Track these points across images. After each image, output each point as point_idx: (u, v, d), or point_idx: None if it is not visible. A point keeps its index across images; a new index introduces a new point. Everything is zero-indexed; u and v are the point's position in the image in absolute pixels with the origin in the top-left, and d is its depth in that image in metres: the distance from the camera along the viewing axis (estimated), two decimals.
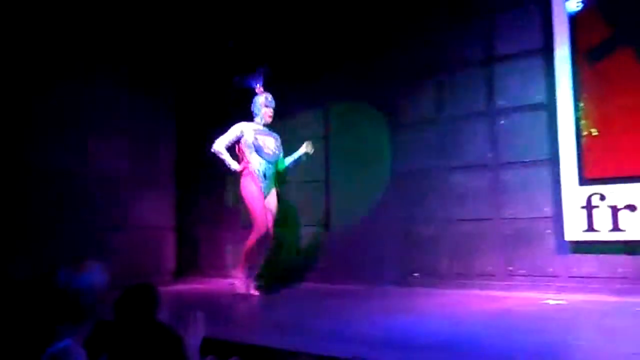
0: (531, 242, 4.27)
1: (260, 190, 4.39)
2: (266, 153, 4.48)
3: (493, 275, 4.39)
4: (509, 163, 4.42)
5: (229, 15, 5.92)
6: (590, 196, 3.97)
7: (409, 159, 4.88)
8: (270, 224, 4.40)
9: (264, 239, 4.30)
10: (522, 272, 4.24)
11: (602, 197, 3.93)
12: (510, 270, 4.31)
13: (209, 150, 4.46)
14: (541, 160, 4.29)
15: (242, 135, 4.48)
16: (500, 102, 4.48)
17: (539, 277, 4.18)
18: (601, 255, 3.98)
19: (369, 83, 5.07)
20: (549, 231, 4.19)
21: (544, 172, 4.28)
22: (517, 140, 4.41)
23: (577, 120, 4.07)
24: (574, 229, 4.03)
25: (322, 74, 5.32)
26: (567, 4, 4.13)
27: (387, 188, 4.82)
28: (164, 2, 5.96)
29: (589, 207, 3.97)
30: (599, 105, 4.02)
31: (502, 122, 4.47)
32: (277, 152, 4.58)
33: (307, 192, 5.47)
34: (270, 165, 4.52)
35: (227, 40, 5.84)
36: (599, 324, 3.05)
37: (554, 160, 4.20)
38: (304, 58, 5.52)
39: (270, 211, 4.44)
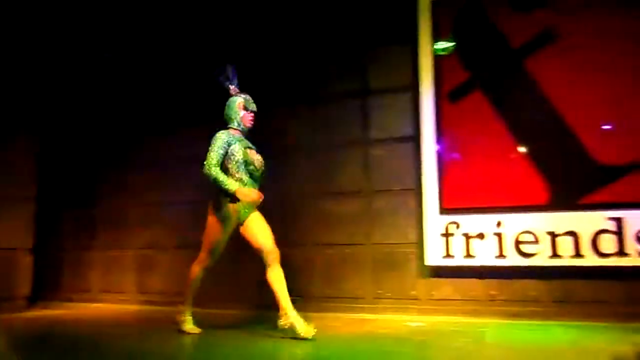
0: (397, 267, 4.52)
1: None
2: (253, 168, 3.67)
3: (362, 298, 4.57)
4: (380, 191, 4.68)
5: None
6: (447, 224, 4.34)
7: (284, 183, 4.95)
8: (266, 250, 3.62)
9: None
10: (388, 295, 4.46)
11: (458, 226, 4.31)
12: (379, 294, 4.52)
13: (202, 172, 3.50)
14: (408, 190, 4.58)
15: (228, 148, 3.59)
16: (373, 133, 4.75)
17: (403, 300, 4.44)
18: (457, 280, 4.34)
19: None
20: (412, 256, 4.48)
21: (411, 201, 4.57)
22: (387, 169, 4.67)
23: (439, 154, 4.44)
24: (434, 255, 4.35)
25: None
26: (433, 47, 4.54)
27: (261, 210, 4.82)
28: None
29: (446, 234, 4.33)
30: (457, 141, 4.43)
31: (375, 152, 4.73)
32: (262, 165, 3.76)
33: (183, 215, 5.32)
34: (256, 184, 3.70)
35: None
36: (445, 345, 3.27)
37: (419, 189, 4.53)
38: (184, 78, 5.43)
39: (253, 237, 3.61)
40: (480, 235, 4.24)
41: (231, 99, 3.82)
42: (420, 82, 4.54)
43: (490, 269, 4.21)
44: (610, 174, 3.94)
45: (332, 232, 4.74)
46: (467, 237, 4.27)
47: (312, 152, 4.95)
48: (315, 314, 4.45)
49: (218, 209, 3.57)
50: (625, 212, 3.86)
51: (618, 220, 3.87)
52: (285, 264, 4.79)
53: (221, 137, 3.61)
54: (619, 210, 3.88)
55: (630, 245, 3.83)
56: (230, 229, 3.62)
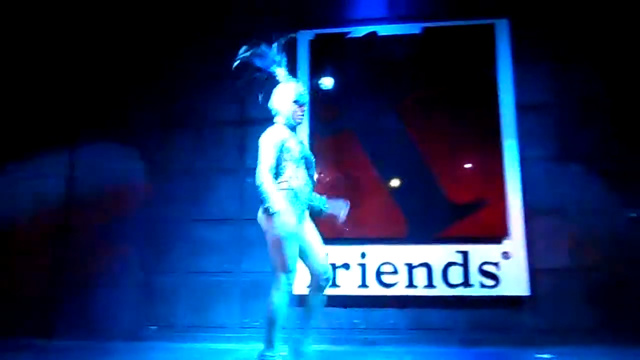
0: (265, 296, 4.49)
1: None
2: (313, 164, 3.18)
3: (229, 328, 4.51)
4: (253, 219, 4.67)
5: None
6: None
7: (157, 208, 4.81)
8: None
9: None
10: (255, 324, 4.44)
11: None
12: (245, 323, 4.49)
13: (254, 183, 3.09)
14: None
15: (282, 145, 3.04)
16: (249, 162, 4.80)
17: None
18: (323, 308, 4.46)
19: (127, 130, 4.96)
20: None
21: None
22: (257, 198, 4.72)
23: None
24: (301, 285, 4.44)
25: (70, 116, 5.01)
26: (310, 82, 4.74)
27: (127, 235, 4.64)
28: None
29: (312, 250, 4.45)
30: (327, 173, 4.62)
31: (250, 180, 4.77)
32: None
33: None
34: (308, 185, 3.17)
35: None
36: None
37: None
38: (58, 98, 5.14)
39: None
40: (346, 266, 4.43)
41: (280, 85, 3.22)
42: None
43: (353, 299, 4.41)
44: (459, 211, 4.36)
45: (202, 259, 4.66)
46: (334, 267, 4.43)
47: (188, 177, 4.86)
48: (179, 345, 4.34)
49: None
50: (470, 246, 4.28)
51: (464, 254, 4.27)
52: (151, 291, 4.67)
53: (269, 137, 3.06)
54: (465, 245, 4.29)
55: (473, 276, 4.24)
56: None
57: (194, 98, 4.95)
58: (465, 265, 4.25)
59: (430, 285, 4.29)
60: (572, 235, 4.29)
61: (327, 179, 4.60)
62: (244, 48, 3.30)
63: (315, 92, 4.68)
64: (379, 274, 4.37)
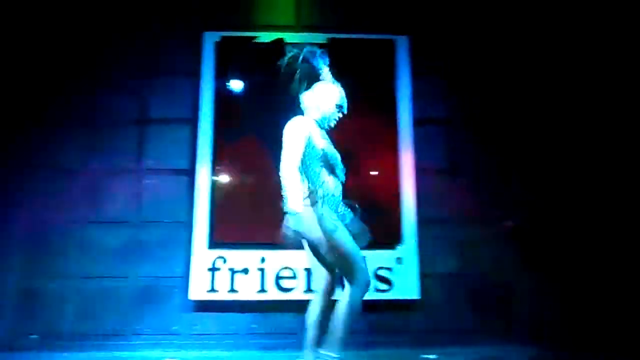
0: (160, 301, 4.41)
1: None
2: (341, 169, 2.98)
3: (120, 335, 4.30)
4: (150, 222, 4.54)
5: None
6: (215, 259, 4.41)
7: (48, 209, 4.49)
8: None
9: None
10: (148, 330, 4.29)
11: (225, 261, 4.41)
12: (137, 329, 4.32)
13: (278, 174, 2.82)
14: (180, 222, 4.54)
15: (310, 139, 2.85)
16: (148, 163, 4.64)
17: (164, 335, 4.32)
18: (220, 314, 4.40)
19: (18, 129, 4.60)
20: (177, 290, 4.42)
21: (182, 234, 4.54)
22: (160, 201, 4.59)
23: (213, 189, 4.54)
24: (199, 289, 4.36)
25: None
26: (215, 84, 4.68)
27: (9, 239, 4.30)
28: None
29: (213, 269, 4.39)
30: (230, 177, 4.61)
31: (148, 181, 4.61)
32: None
33: None
34: (339, 185, 2.98)
35: None
36: None
37: (190, 223, 4.53)
38: None
39: None
40: (245, 270, 4.41)
41: (324, 85, 3.06)
42: (200, 117, 4.63)
43: (251, 304, 4.39)
44: None
45: (94, 263, 4.41)
46: (233, 271, 4.39)
47: (82, 178, 4.58)
48: (64, 355, 4.07)
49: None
50: (366, 251, 4.39)
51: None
52: (32, 298, 4.34)
53: (298, 126, 2.87)
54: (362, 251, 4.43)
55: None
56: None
57: (89, 96, 4.68)
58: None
59: None
60: (458, 242, 4.59)
61: (230, 184, 4.58)
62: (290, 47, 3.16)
63: (219, 95, 4.65)
64: (278, 278, 4.40)
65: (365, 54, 4.74)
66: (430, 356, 3.93)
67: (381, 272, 4.42)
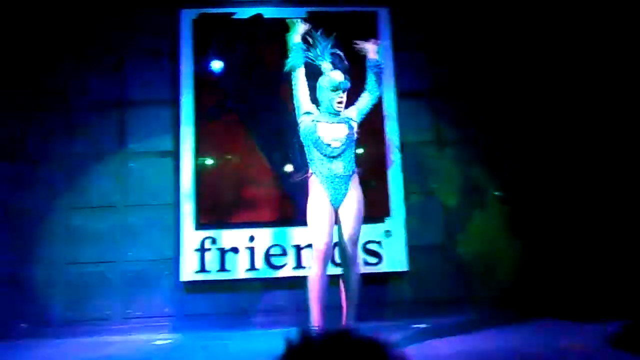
0: (150, 284, 4.38)
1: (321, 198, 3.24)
2: (323, 142, 3.27)
3: (110, 320, 4.29)
4: (135, 206, 4.49)
5: None
6: (204, 240, 4.39)
7: (30, 196, 4.41)
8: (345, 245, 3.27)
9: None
10: (138, 314, 4.28)
11: (214, 241, 4.40)
12: (128, 313, 4.31)
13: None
14: (166, 205, 4.50)
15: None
16: (131, 146, 4.56)
17: (155, 318, 4.32)
18: (210, 294, 4.40)
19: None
20: (167, 273, 4.39)
21: (168, 216, 4.50)
22: (145, 184, 4.52)
23: (197, 170, 4.49)
24: (188, 271, 4.36)
25: None
26: (194, 64, 4.59)
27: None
28: None
29: (202, 249, 4.38)
30: (214, 158, 4.55)
31: (132, 165, 4.54)
32: (341, 142, 3.27)
33: None
34: (331, 162, 3.26)
35: None
36: None
37: (177, 204, 4.50)
38: None
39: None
40: (234, 250, 4.40)
41: (321, 77, 3.45)
42: (181, 97, 4.55)
43: (242, 282, 4.40)
44: None
45: (80, 249, 4.35)
46: (222, 251, 4.39)
47: (63, 163, 4.49)
48: (54, 341, 4.05)
49: None
50: None
51: None
52: (23, 285, 4.29)
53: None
54: None
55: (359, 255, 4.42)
56: None
57: (66, 79, 4.55)
58: None
59: None
60: (444, 214, 4.64)
61: (215, 164, 4.54)
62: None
63: (199, 73, 4.56)
64: (267, 256, 4.41)
65: (346, 27, 4.67)
66: (421, 325, 4.00)
67: (370, 246, 4.45)
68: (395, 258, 4.48)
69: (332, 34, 3.54)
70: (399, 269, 4.49)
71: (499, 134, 4.77)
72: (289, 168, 4.52)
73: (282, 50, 4.61)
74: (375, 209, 4.49)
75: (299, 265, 4.41)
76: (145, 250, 4.42)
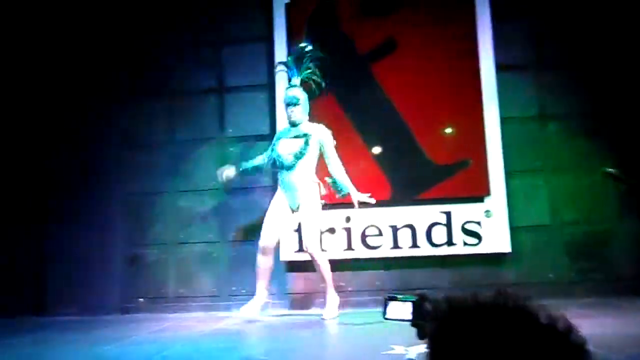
0: (252, 263, 4.54)
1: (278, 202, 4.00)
2: (280, 156, 3.95)
3: (217, 296, 4.55)
4: (236, 189, 4.68)
5: None
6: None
7: (138, 182, 4.75)
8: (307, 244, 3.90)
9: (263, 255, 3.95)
10: (243, 291, 4.49)
11: None
12: (233, 291, 4.54)
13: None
14: (264, 187, 4.65)
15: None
16: (230, 130, 4.75)
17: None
18: (309, 273, 4.51)
19: (99, 102, 4.84)
20: None
21: (267, 198, 4.65)
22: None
23: None
24: (289, 250, 4.49)
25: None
26: (287, 47, 4.65)
27: (114, 211, 4.60)
28: None
29: (299, 230, 4.49)
30: None
31: (231, 149, 4.73)
32: (294, 156, 3.90)
33: None
34: (287, 173, 3.94)
35: None
36: (292, 336, 3.42)
37: (275, 187, 4.62)
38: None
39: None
40: (331, 230, 4.47)
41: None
42: (276, 81, 4.64)
43: (340, 262, 4.45)
44: (442, 172, 4.40)
45: (187, 230, 4.65)
46: (320, 232, 4.46)
47: (169, 149, 4.80)
48: (170, 315, 4.39)
49: None
50: (453, 206, 4.34)
51: (447, 214, 4.34)
52: (138, 265, 4.66)
53: None
54: (448, 205, 4.35)
55: (457, 235, 4.32)
56: None
57: (166, 70, 4.82)
58: (448, 224, 4.33)
59: (414, 245, 4.36)
60: (550, 192, 4.39)
61: None
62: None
63: (295, 58, 4.61)
64: (364, 236, 4.43)
65: None
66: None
67: (469, 226, 4.32)
68: (496, 239, 4.32)
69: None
70: (500, 251, 4.34)
71: (608, 107, 4.40)
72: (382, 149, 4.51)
73: (375, 29, 4.60)
74: (473, 187, 4.39)
75: (395, 245, 4.39)
76: (246, 231, 4.61)
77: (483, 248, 4.32)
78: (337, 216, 4.44)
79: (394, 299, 1.22)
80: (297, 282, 4.55)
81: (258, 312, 3.92)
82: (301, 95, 3.98)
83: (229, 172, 4.15)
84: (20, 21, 4.86)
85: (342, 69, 4.58)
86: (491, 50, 4.46)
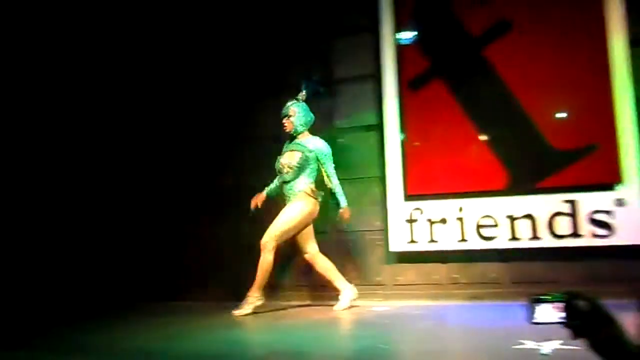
0: (363, 254, 4.61)
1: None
2: (279, 166, 4.28)
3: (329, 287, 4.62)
4: (345, 179, 4.69)
5: None
6: (412, 211, 4.42)
7: (254, 174, 4.95)
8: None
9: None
10: (355, 282, 4.49)
11: (421, 212, 4.40)
12: (346, 280, 4.58)
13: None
14: (373, 178, 4.65)
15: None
16: (337, 122, 4.79)
17: (369, 286, 4.51)
18: (420, 264, 4.44)
19: (224, 97, 5.20)
20: (379, 243, 4.56)
21: (375, 189, 4.64)
22: (352, 158, 4.70)
23: (402, 142, 4.52)
24: (399, 241, 4.44)
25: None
26: (395, 36, 4.59)
27: (236, 206, 4.81)
28: None
29: (410, 220, 4.42)
30: (419, 129, 4.51)
31: (340, 140, 4.76)
32: (288, 168, 4.19)
33: None
34: (284, 182, 4.22)
35: None
36: (409, 328, 3.37)
37: (383, 177, 4.60)
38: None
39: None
40: (443, 221, 4.33)
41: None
42: (382, 71, 4.60)
43: (452, 253, 4.33)
44: (564, 158, 4.08)
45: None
46: (431, 222, 4.36)
47: (279, 142, 4.94)
48: (288, 303, 4.56)
49: None
50: (579, 194, 4.01)
51: (572, 203, 4.02)
52: (254, 254, 4.86)
53: None
54: (573, 193, 4.03)
55: (583, 226, 3.99)
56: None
57: (279, 63, 5.00)
58: (573, 215, 4.01)
59: (535, 237, 4.09)
60: None
61: (420, 134, 4.51)
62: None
63: (399, 46, 4.54)
64: (478, 227, 4.24)
65: None
66: None
67: (598, 216, 3.96)
68: (630, 230, 3.92)
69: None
70: (634, 242, 3.93)
71: None
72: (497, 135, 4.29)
73: (487, 10, 4.37)
74: (601, 174, 4.02)
75: (513, 237, 4.16)
76: (356, 221, 4.60)
77: (615, 240, 3.95)
78: (449, 206, 4.31)
79: (542, 300, 1.14)
80: (407, 272, 4.48)
81: (349, 303, 4.08)
82: (294, 108, 4.24)
83: (261, 198, 4.32)
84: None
85: (452, 53, 4.44)
86: (622, 23, 4.03)
